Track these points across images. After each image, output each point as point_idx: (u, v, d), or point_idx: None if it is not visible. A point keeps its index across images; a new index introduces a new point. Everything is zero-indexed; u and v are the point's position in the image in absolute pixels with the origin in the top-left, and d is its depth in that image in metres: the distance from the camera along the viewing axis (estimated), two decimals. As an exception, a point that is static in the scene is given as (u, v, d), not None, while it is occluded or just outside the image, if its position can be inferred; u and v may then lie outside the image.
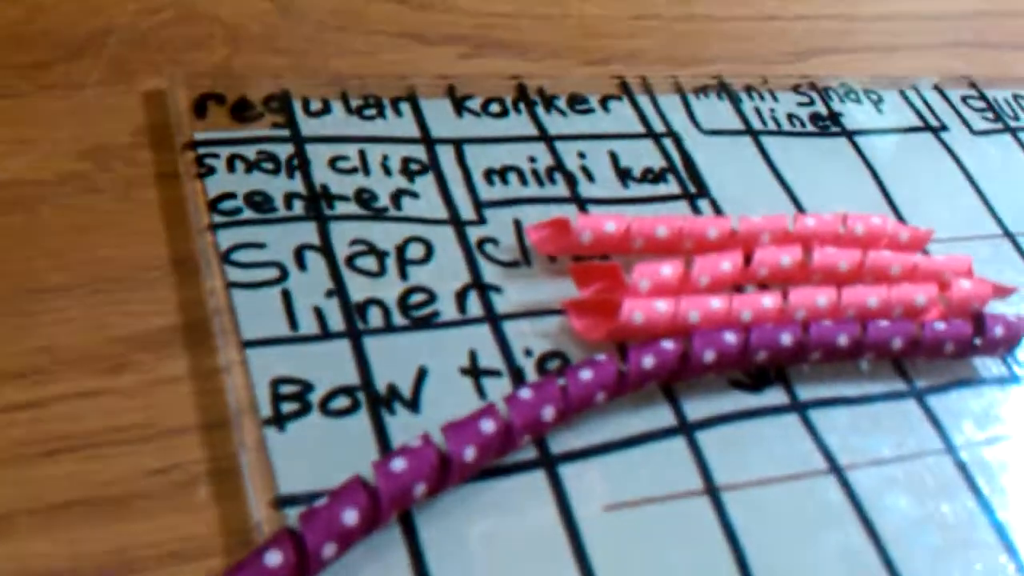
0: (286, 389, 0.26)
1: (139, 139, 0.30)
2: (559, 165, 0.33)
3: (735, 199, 0.34)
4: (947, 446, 0.30)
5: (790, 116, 0.38)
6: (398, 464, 0.24)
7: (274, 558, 0.22)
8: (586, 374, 0.27)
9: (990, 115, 0.41)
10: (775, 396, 0.29)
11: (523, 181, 0.33)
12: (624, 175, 0.34)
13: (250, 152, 0.31)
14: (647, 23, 0.40)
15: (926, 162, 0.38)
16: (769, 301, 0.30)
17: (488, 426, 0.25)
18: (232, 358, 0.26)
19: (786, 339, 0.29)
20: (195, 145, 0.30)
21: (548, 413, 0.26)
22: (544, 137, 0.34)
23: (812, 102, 0.39)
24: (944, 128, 0.40)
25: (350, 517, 0.23)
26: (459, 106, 0.34)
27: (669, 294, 0.29)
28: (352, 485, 0.23)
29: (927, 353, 0.31)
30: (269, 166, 0.31)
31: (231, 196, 0.29)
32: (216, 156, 0.30)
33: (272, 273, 0.28)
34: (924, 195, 0.37)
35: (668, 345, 0.28)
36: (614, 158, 0.34)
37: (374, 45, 0.35)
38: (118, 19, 0.33)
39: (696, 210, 0.34)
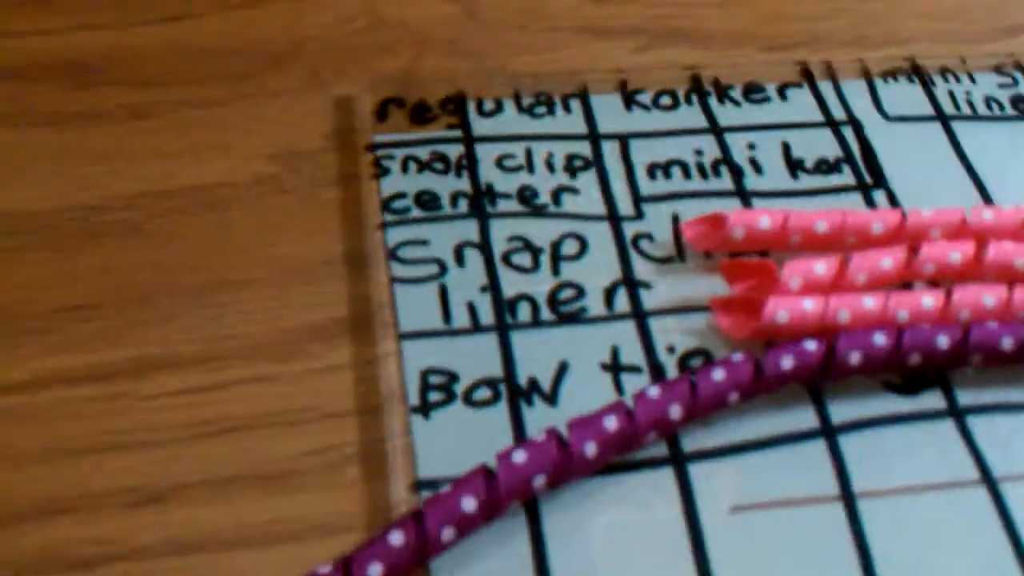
0: (434, 379, 0.28)
1: (327, 143, 0.33)
2: (726, 157, 0.33)
3: (915, 191, 0.33)
4: None
5: (988, 99, 0.36)
6: (519, 456, 0.25)
7: (397, 538, 0.24)
8: (719, 373, 0.27)
9: None
10: (931, 400, 0.29)
11: (687, 175, 0.33)
12: (795, 166, 0.33)
13: (423, 153, 0.33)
14: (837, 4, 0.39)
15: None
16: (930, 300, 0.29)
17: (611, 423, 0.26)
18: (389, 349, 0.28)
19: (943, 341, 0.28)
20: (374, 147, 0.33)
21: (675, 412, 0.26)
22: (714, 129, 0.34)
23: (1016, 83, 0.37)
24: None
25: (469, 504, 0.24)
26: (629, 100, 0.35)
27: (822, 292, 0.29)
28: (475, 474, 0.25)
29: (1111, 359, 0.29)
30: (440, 166, 0.33)
31: (402, 196, 0.32)
32: (392, 157, 0.33)
33: (432, 269, 0.30)
34: None
35: (811, 346, 0.28)
36: (786, 148, 0.34)
37: (552, 42, 0.37)
38: (316, 30, 0.36)
39: (870, 202, 0.33)
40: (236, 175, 0.32)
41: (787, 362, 0.28)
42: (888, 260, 0.30)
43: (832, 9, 0.39)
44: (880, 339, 0.28)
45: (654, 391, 0.27)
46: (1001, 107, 0.36)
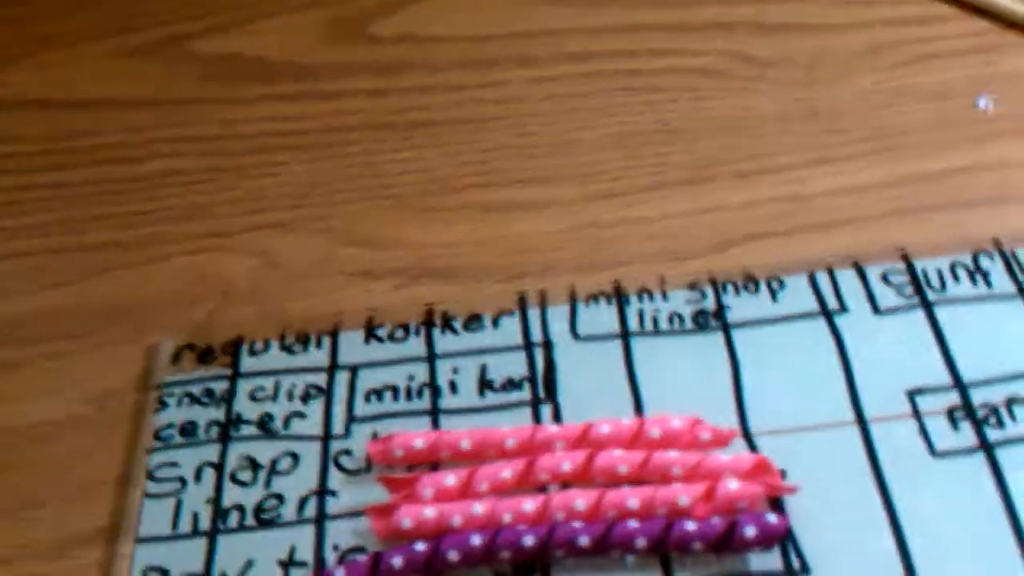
0: (151, 575, 0.37)
1: (132, 383, 0.43)
2: (432, 381, 0.41)
3: (578, 404, 0.40)
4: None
5: (672, 315, 0.42)
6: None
7: None
8: (339, 573, 0.35)
9: (909, 290, 0.42)
10: (530, 587, 0.35)
11: (395, 397, 0.41)
12: (485, 386, 0.41)
13: (197, 389, 0.42)
14: (577, 233, 0.46)
15: (803, 350, 0.40)
16: (530, 504, 0.36)
17: (244, 616, 0.34)
18: (125, 551, 0.37)
19: (528, 540, 0.35)
20: (161, 386, 0.42)
21: (300, 606, 0.34)
22: (430, 357, 0.42)
23: (703, 297, 0.43)
24: (843, 310, 0.41)
25: None
26: (370, 334, 0.43)
27: (452, 499, 0.36)
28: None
29: (676, 550, 0.34)
30: (206, 399, 0.42)
31: (171, 426, 0.41)
32: (173, 394, 0.42)
33: (176, 486, 0.39)
34: (783, 385, 0.39)
35: (419, 547, 0.35)
36: (483, 371, 0.41)
37: (329, 286, 0.46)
38: (153, 288, 0.46)
39: (537, 416, 0.40)
40: (57, 414, 0.42)
41: (397, 560, 0.35)
42: (508, 471, 0.37)
43: (566, 239, 0.46)
44: (476, 539, 0.35)
45: (286, 590, 0.35)
46: (682, 321, 0.42)
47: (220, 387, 0.43)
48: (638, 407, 0.40)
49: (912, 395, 0.39)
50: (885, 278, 0.43)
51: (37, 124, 0.54)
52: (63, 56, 0.58)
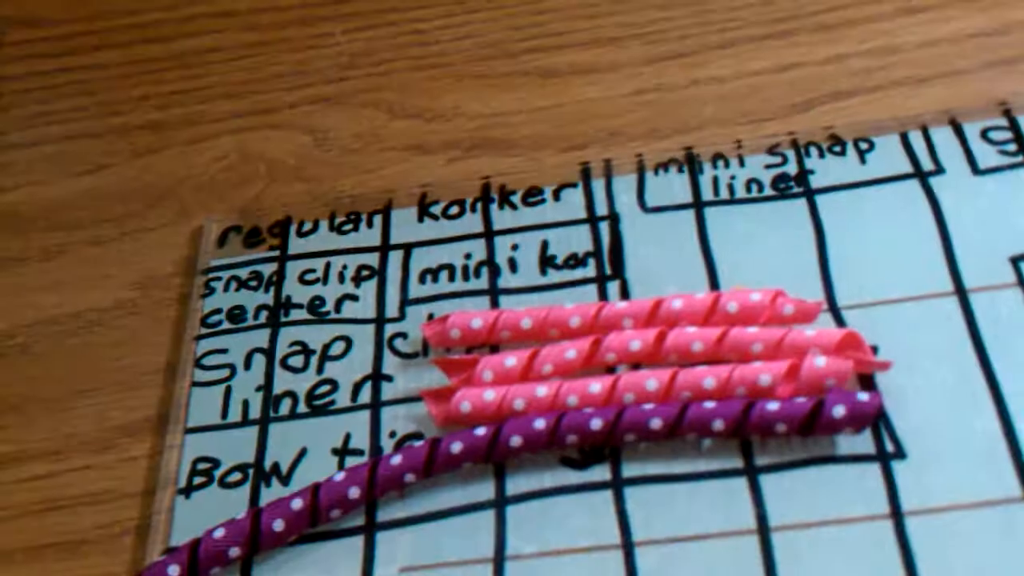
0: (201, 466, 0.35)
1: (178, 268, 0.41)
2: (490, 259, 0.39)
3: (647, 280, 0.37)
4: (761, 526, 0.31)
5: (750, 182, 0.39)
6: (218, 532, 0.32)
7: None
8: (396, 459, 0.33)
9: (1012, 147, 0.38)
10: (598, 473, 0.33)
11: (452, 277, 0.38)
12: (547, 263, 0.38)
13: (244, 273, 0.40)
14: (644, 97, 0.43)
15: (895, 215, 0.37)
16: (597, 386, 0.33)
17: (297, 503, 0.32)
18: (176, 442, 0.36)
19: (596, 424, 0.32)
20: (207, 271, 0.40)
21: (354, 492, 0.32)
22: (487, 233, 0.39)
23: (785, 162, 0.39)
24: (939, 171, 0.38)
25: (174, 571, 0.31)
26: (424, 212, 0.41)
27: (513, 382, 0.34)
28: (184, 547, 0.32)
29: (757, 433, 0.32)
30: (254, 283, 0.40)
31: (218, 311, 0.39)
32: (220, 279, 0.40)
33: (224, 373, 0.37)
34: (873, 254, 0.36)
35: (480, 431, 0.33)
36: (544, 247, 0.39)
37: (380, 161, 0.43)
38: (195, 169, 0.44)
39: (604, 293, 0.37)
40: (103, 302, 0.41)
41: (457, 446, 0.33)
42: (572, 351, 0.34)
43: (632, 104, 0.43)
44: (539, 423, 0.33)
45: (339, 475, 0.33)
46: (761, 188, 0.39)
47: (268, 270, 0.40)
48: (713, 282, 0.37)
49: (1016, 261, 0.35)
50: (985, 135, 0.39)
51: (69, 4, 0.52)
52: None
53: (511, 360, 0.35)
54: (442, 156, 0.43)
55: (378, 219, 0.41)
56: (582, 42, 0.45)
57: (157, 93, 0.47)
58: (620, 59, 0.44)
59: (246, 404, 0.37)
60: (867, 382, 0.33)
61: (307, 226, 0.41)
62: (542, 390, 0.34)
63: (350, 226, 0.41)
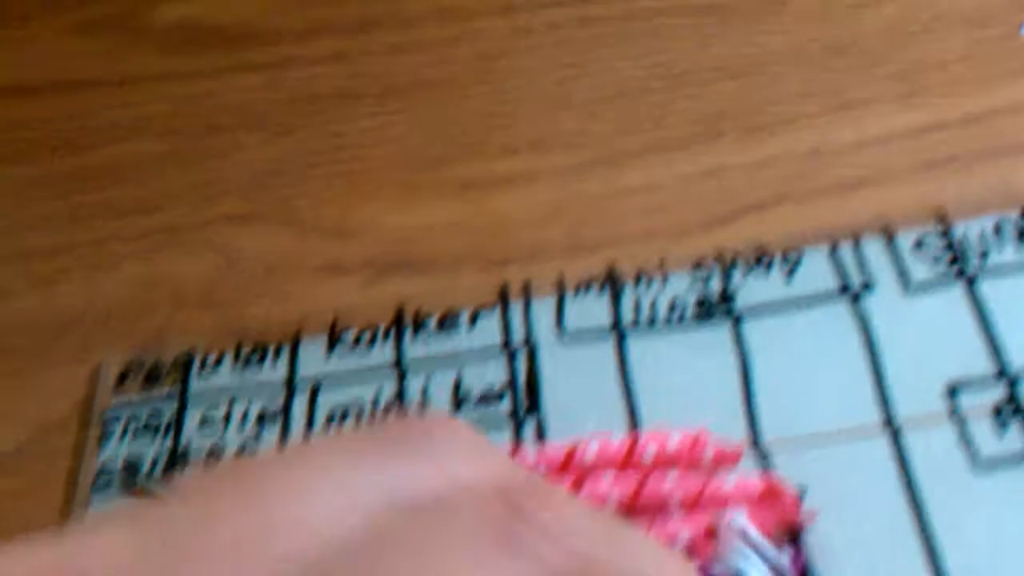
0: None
1: (76, 410, 0.39)
2: (400, 396, 0.37)
3: (565, 417, 0.35)
4: None
5: (673, 304, 0.37)
6: None
7: None
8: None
9: (946, 258, 0.36)
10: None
11: (359, 419, 0.36)
12: (460, 399, 0.36)
13: (143, 415, 0.38)
14: (565, 207, 0.41)
15: (822, 339, 0.35)
16: (505, 548, 0.31)
17: None
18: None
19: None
20: (104, 416, 0.38)
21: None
22: (398, 366, 0.37)
23: (708, 280, 0.37)
24: (868, 288, 0.36)
25: None
26: (334, 342, 0.39)
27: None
28: None
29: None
30: (153, 428, 0.38)
31: (112, 462, 0.37)
32: (117, 423, 0.38)
33: (120, 531, 0.35)
34: (799, 384, 0.34)
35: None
36: (458, 381, 0.37)
37: (292, 285, 0.41)
38: (100, 298, 0.42)
39: (519, 431, 0.35)
40: (4, 444, 0.39)
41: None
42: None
43: (553, 214, 0.41)
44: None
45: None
46: (684, 311, 0.37)
47: (168, 412, 0.38)
48: (633, 418, 0.35)
49: (952, 390, 0.33)
50: (919, 245, 0.37)
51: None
52: (7, 37, 0.53)
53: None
54: (357, 277, 0.41)
55: (286, 352, 0.39)
56: (504, 149, 0.43)
57: (64, 211, 0.45)
58: (541, 166, 0.42)
59: (140, 566, 0.35)
60: (793, 532, 0.31)
61: (211, 360, 0.39)
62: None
63: (256, 359, 0.39)
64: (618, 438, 0.33)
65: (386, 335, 0.39)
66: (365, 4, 0.50)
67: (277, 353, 0.39)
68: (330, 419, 0.37)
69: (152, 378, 0.39)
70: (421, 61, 0.47)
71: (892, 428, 0.33)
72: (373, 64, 0.48)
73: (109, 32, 0.52)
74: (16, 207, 0.47)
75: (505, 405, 0.36)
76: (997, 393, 0.33)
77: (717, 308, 0.37)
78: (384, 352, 0.38)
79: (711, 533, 0.31)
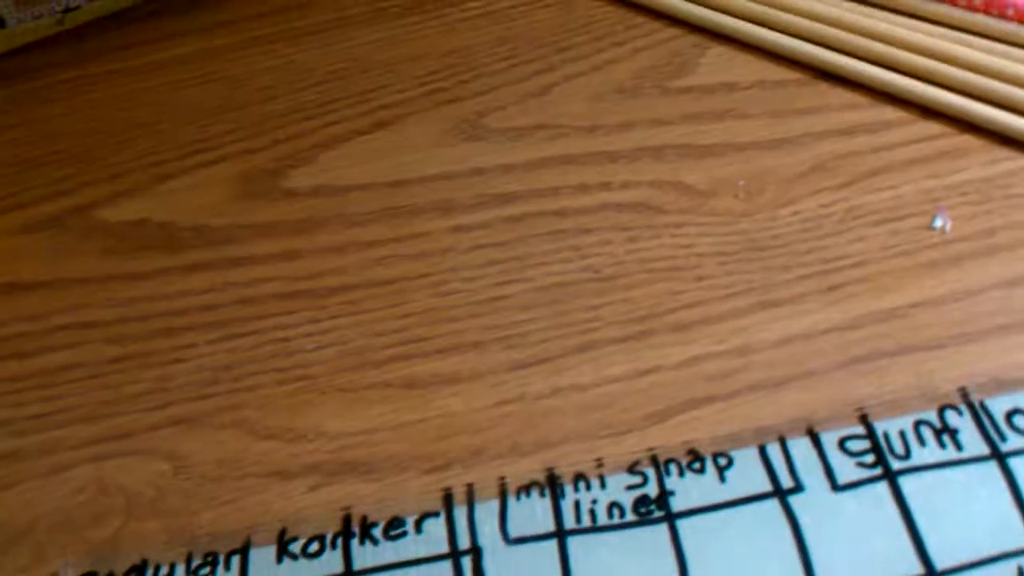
0: None
1: (29, 627, 0.39)
2: (348, 606, 0.37)
3: (510, 624, 0.36)
4: None
5: (612, 506, 0.38)
6: None
7: None
8: None
9: (870, 458, 0.38)
10: None
11: (311, 629, 0.37)
12: (409, 609, 0.37)
13: (94, 630, 0.38)
14: (506, 408, 0.42)
15: (755, 540, 0.36)
16: None
17: None
18: None
19: None
20: (57, 636, 0.39)
21: None
22: (348, 575, 0.38)
23: (645, 482, 0.39)
24: (798, 489, 0.37)
25: None
26: (283, 550, 0.39)
27: None
28: None
29: None
30: (105, 643, 0.38)
31: None
32: (68, 641, 0.38)
33: None
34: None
35: None
36: (406, 590, 0.38)
37: (240, 491, 0.42)
38: (49, 504, 0.43)
39: (464, 643, 0.36)
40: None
41: None
42: None
43: (494, 416, 0.42)
44: None
45: None
46: (623, 513, 0.38)
47: (120, 631, 0.39)
48: (577, 626, 0.36)
49: (881, 592, 0.35)
50: (843, 446, 0.39)
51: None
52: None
53: None
54: (302, 482, 0.42)
55: (236, 561, 0.39)
56: (445, 347, 0.45)
57: (13, 418, 0.46)
58: (482, 366, 0.44)
59: None
60: None
61: (163, 571, 0.40)
62: None
63: (207, 570, 0.40)
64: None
65: (334, 543, 0.40)
66: (313, 202, 0.52)
67: (228, 562, 0.40)
68: (279, 627, 0.38)
69: (104, 590, 0.40)
70: (363, 260, 0.49)
71: (824, 630, 0.34)
72: (318, 263, 0.50)
73: (56, 232, 0.54)
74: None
75: (452, 614, 0.37)
76: (924, 595, 0.35)
77: (655, 509, 0.38)
78: (333, 559, 0.39)
79: None
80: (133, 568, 0.40)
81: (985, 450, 0.38)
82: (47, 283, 0.51)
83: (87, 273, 0.51)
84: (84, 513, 0.42)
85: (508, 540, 0.38)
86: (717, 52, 0.55)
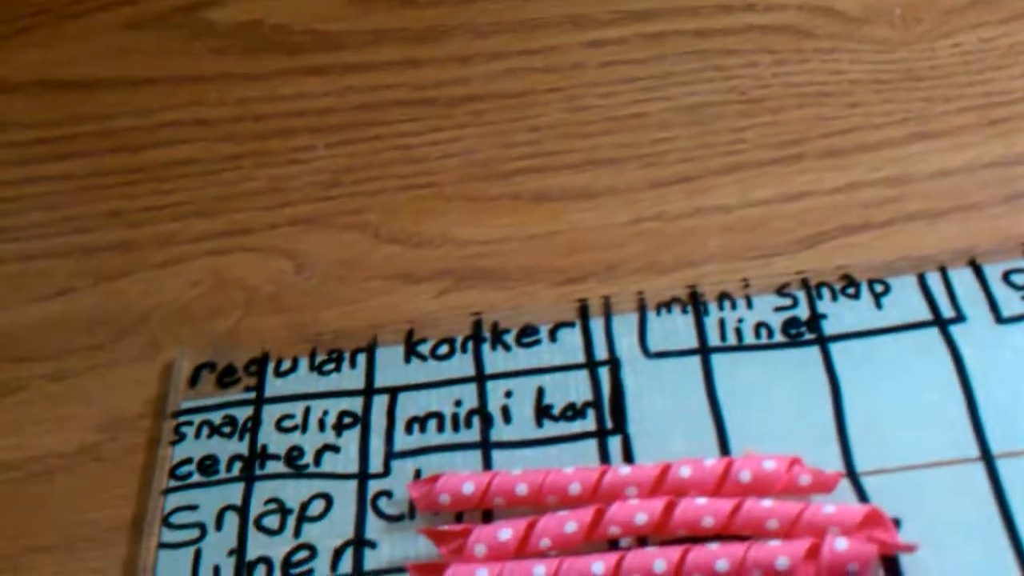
0: (166, 643, 0.32)
1: (147, 409, 0.38)
2: (481, 407, 0.36)
3: (651, 435, 0.35)
4: None
5: (759, 326, 0.37)
6: None
7: None
8: (380, 649, 0.30)
9: (1035, 292, 0.36)
10: (601, 663, 0.30)
11: (441, 428, 0.36)
12: (543, 413, 0.36)
13: (217, 417, 0.37)
14: (644, 226, 0.40)
15: (914, 368, 0.35)
16: (600, 566, 0.30)
17: None
18: (139, 612, 0.33)
19: (599, 611, 0.30)
20: (177, 414, 0.38)
21: None
22: (479, 377, 0.37)
23: (795, 304, 0.37)
24: (959, 319, 0.35)
25: None
26: (411, 351, 0.38)
27: (509, 557, 0.31)
28: None
29: (775, 622, 0.29)
30: (227, 430, 0.37)
31: (188, 461, 0.36)
32: (191, 423, 0.37)
33: (195, 534, 0.35)
34: (892, 413, 0.34)
35: (472, 619, 0.30)
36: (540, 394, 0.36)
37: (365, 292, 0.40)
38: (166, 296, 0.42)
39: (604, 450, 0.34)
40: (65, 446, 0.38)
41: (446, 636, 0.30)
42: (572, 524, 0.32)
43: (631, 233, 0.40)
44: (536, 610, 0.30)
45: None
46: (771, 333, 0.37)
47: (243, 414, 0.38)
48: (722, 438, 0.34)
49: (1047, 423, 0.34)
50: (1007, 278, 0.37)
51: (35, 108, 0.49)
52: (63, 31, 0.52)
53: (506, 533, 0.32)
54: (430, 287, 0.40)
55: (362, 358, 0.38)
56: (577, 163, 0.43)
57: (127, 208, 0.45)
58: (618, 183, 0.42)
59: (217, 570, 0.34)
60: (891, 563, 0.31)
61: (286, 364, 0.39)
62: (540, 570, 0.31)
63: (332, 365, 0.38)
64: (710, 461, 0.33)
65: (464, 347, 0.38)
66: (435, 11, 0.50)
67: (353, 360, 0.39)
68: (410, 426, 0.37)
69: (227, 378, 0.38)
70: (490, 71, 0.47)
71: (987, 459, 0.33)
72: (441, 72, 0.48)
73: (164, 29, 0.52)
74: (72, 204, 0.46)
75: (590, 422, 0.36)
76: (1093, 428, 0.33)
77: (806, 331, 0.36)
78: (463, 362, 0.38)
79: (812, 556, 0.30)
80: (253, 360, 0.39)
81: None
82: (156, 79, 0.50)
83: (198, 71, 0.49)
84: (201, 305, 0.42)
85: (648, 354, 0.37)
86: None
